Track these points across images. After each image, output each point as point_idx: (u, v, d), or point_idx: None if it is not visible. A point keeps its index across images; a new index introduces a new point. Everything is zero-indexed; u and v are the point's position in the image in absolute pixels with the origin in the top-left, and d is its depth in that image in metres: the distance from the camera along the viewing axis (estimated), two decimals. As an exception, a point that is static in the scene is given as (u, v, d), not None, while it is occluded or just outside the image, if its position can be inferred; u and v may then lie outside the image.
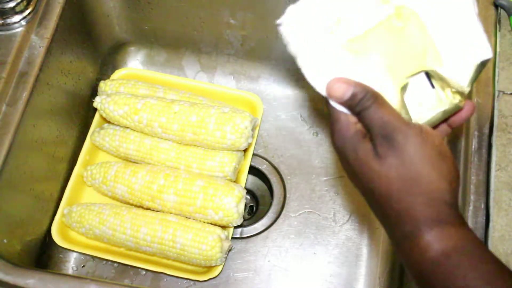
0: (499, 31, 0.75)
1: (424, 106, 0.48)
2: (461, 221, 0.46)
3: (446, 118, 0.50)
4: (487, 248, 0.48)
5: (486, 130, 0.69)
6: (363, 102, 0.46)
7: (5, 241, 0.71)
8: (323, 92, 0.49)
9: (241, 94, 0.89)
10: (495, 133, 0.69)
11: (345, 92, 0.47)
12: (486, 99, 0.71)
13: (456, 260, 0.44)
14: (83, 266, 0.83)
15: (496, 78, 0.72)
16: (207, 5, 0.88)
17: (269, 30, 0.90)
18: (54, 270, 0.82)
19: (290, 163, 0.90)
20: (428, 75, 0.49)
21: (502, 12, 0.76)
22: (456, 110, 0.49)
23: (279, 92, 0.95)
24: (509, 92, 0.72)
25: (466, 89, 0.49)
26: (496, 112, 0.70)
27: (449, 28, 0.48)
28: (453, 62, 0.48)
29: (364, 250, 0.85)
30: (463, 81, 0.48)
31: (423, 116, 0.48)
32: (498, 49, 0.74)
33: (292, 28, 0.51)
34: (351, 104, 0.47)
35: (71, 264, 0.83)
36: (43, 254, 0.81)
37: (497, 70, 0.73)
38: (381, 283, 0.83)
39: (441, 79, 0.48)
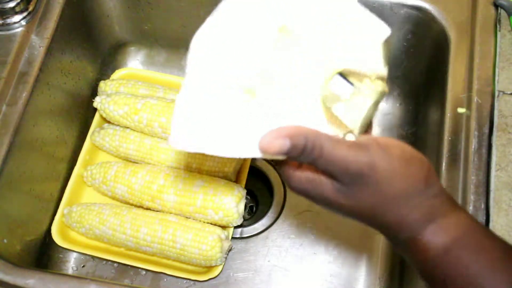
0: (499, 31, 0.75)
1: (353, 107, 0.46)
2: (454, 206, 0.46)
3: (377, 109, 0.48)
4: (485, 230, 0.48)
5: (486, 130, 0.69)
6: (308, 152, 0.41)
7: (5, 241, 0.71)
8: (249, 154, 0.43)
9: (241, 94, 0.89)
10: (495, 133, 0.69)
11: (277, 145, 0.41)
12: (486, 99, 0.71)
13: (456, 253, 0.45)
14: (83, 266, 0.83)
15: (496, 78, 0.72)
16: (207, 5, 0.88)
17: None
18: (54, 270, 0.82)
19: (290, 163, 0.90)
20: (342, 75, 0.46)
21: (502, 12, 0.76)
22: (384, 96, 0.47)
23: (279, 92, 0.95)
24: (509, 92, 0.72)
25: (384, 71, 0.46)
26: (496, 112, 0.70)
27: (339, 23, 0.46)
28: (359, 53, 0.46)
29: (364, 250, 0.85)
30: (377, 64, 0.46)
31: (357, 118, 0.46)
32: (498, 49, 0.74)
33: (182, 133, 0.44)
34: (296, 156, 0.42)
35: (71, 264, 0.83)
36: (43, 254, 0.81)
37: (497, 70, 0.73)
38: (381, 283, 0.83)
39: (355, 74, 0.46)
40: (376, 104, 0.46)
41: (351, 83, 0.46)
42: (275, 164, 0.45)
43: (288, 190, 0.88)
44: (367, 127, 0.47)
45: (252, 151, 0.43)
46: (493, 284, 0.44)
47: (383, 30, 0.46)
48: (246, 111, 0.44)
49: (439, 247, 0.45)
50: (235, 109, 0.44)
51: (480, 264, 0.44)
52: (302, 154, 0.41)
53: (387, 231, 0.47)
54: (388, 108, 0.93)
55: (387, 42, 0.46)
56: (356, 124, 0.45)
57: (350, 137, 0.45)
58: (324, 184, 0.44)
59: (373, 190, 0.44)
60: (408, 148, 0.45)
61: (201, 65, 0.46)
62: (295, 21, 0.46)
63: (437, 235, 0.45)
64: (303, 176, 0.45)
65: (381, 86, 0.46)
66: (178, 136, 0.44)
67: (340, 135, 0.45)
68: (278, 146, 0.41)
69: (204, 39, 0.48)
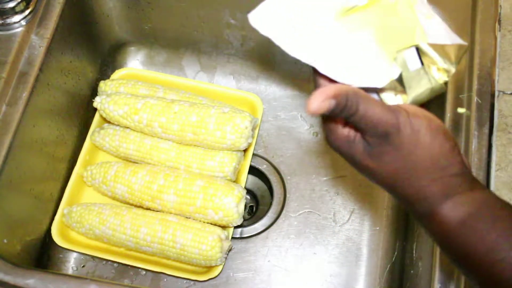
0: (499, 31, 0.75)
1: (413, 82, 0.49)
2: (472, 185, 0.48)
3: (431, 98, 0.51)
4: (504, 204, 0.49)
5: (486, 130, 0.69)
6: (347, 109, 0.45)
7: (5, 241, 0.71)
8: (310, 61, 0.48)
9: (241, 94, 0.89)
10: (495, 133, 0.69)
11: (325, 106, 0.45)
12: (486, 99, 0.71)
13: (472, 225, 0.46)
14: (83, 266, 0.83)
15: (496, 78, 0.72)
16: (207, 5, 0.88)
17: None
18: (54, 270, 0.82)
19: (290, 163, 0.90)
20: (418, 51, 0.49)
21: (502, 12, 0.76)
22: (441, 91, 0.50)
23: (279, 92, 0.95)
24: (509, 92, 0.72)
25: (453, 68, 0.49)
26: (496, 112, 0.70)
27: (428, 9, 0.50)
28: (438, 41, 0.49)
29: (364, 250, 0.85)
30: (449, 58, 0.49)
31: (411, 92, 0.49)
32: (498, 49, 0.74)
33: (266, 18, 0.50)
34: (336, 113, 0.46)
35: (71, 264, 0.83)
36: (43, 254, 0.81)
37: (497, 70, 0.73)
38: (381, 283, 0.83)
39: (429, 56, 0.49)
40: (432, 92, 0.49)
41: (422, 62, 0.49)
42: (322, 118, 0.49)
43: (288, 190, 0.88)
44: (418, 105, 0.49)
45: (312, 60, 0.48)
46: (510, 250, 0.45)
47: (462, 41, 0.50)
48: (332, 36, 0.48)
49: (455, 221, 0.46)
50: (325, 33, 0.49)
51: (496, 233, 0.45)
52: (342, 111, 0.45)
53: (406, 202, 0.49)
54: (388, 108, 0.93)
55: (461, 48, 0.49)
56: (407, 96, 0.49)
57: (398, 99, 0.49)
58: (357, 145, 0.48)
59: (396, 155, 0.46)
60: (436, 121, 0.47)
61: None
62: None
63: (453, 210, 0.47)
64: (342, 133, 0.48)
65: (445, 79, 0.49)
66: (260, 16, 0.50)
67: (389, 95, 0.49)
68: (326, 107, 0.45)
69: None
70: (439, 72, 0.49)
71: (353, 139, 0.48)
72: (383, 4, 0.49)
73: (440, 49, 0.49)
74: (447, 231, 0.47)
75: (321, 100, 0.45)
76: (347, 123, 0.49)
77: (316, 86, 0.49)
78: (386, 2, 0.49)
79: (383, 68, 0.48)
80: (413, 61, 0.49)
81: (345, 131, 0.48)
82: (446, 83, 0.50)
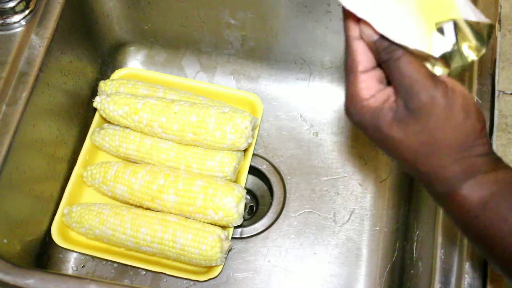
0: (499, 31, 0.75)
1: (448, 41, 0.47)
2: (495, 166, 0.46)
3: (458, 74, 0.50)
4: None
5: (486, 130, 0.69)
6: (392, 49, 0.44)
7: (5, 241, 0.71)
8: (368, 18, 0.46)
9: (241, 94, 0.89)
10: (495, 133, 0.69)
11: (374, 33, 0.44)
12: (486, 99, 0.71)
13: (494, 206, 0.45)
14: (83, 266, 0.83)
15: (496, 78, 0.72)
16: (207, 5, 0.88)
17: (269, 30, 0.90)
18: (54, 270, 0.82)
19: (290, 163, 0.90)
20: (455, 24, 0.48)
21: (502, 12, 0.76)
22: (469, 67, 0.50)
23: (279, 92, 0.95)
24: (509, 92, 0.72)
25: (484, 48, 0.48)
26: (496, 112, 0.70)
27: None
28: (471, 18, 0.48)
29: (364, 250, 0.85)
30: (480, 36, 0.48)
31: (445, 48, 0.47)
32: (498, 49, 0.74)
33: None
34: (379, 46, 0.44)
35: (71, 264, 0.83)
36: (43, 254, 0.81)
37: (497, 70, 0.73)
38: (381, 283, 0.83)
39: (463, 32, 0.48)
40: (462, 68, 0.48)
41: (456, 37, 0.47)
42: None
43: (288, 190, 0.88)
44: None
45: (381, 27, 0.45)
46: None
47: (487, 19, 0.48)
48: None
49: (476, 201, 0.45)
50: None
51: None
52: (384, 49, 0.44)
53: (425, 180, 0.47)
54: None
55: (492, 27, 0.48)
56: (439, 52, 0.47)
57: (435, 71, 0.47)
58: (385, 113, 0.45)
59: (424, 126, 0.44)
60: (471, 100, 0.46)
61: None
62: None
63: (474, 190, 0.45)
64: (368, 104, 0.46)
65: (474, 57, 0.48)
66: None
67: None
68: (372, 32, 0.44)
69: None
70: (470, 50, 0.48)
71: (381, 107, 0.46)
72: None
73: (473, 25, 0.48)
74: (467, 211, 0.45)
75: (370, 29, 0.43)
76: (376, 86, 0.47)
77: (348, 79, 0.47)
78: None
79: (422, 39, 0.46)
80: (450, 36, 0.47)
81: (372, 101, 0.46)
82: (472, 62, 0.49)
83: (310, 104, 0.94)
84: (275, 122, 0.93)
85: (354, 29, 0.46)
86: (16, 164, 0.72)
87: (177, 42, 0.95)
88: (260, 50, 0.94)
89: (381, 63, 0.46)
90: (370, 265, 0.84)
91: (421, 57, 0.46)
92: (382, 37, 0.44)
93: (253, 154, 0.88)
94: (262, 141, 0.92)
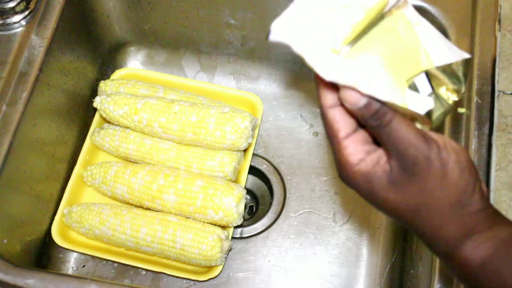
0: (499, 31, 0.75)
1: (428, 99, 0.47)
2: (493, 222, 0.46)
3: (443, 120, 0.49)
4: None
5: (486, 130, 0.69)
6: (381, 115, 0.42)
7: (5, 241, 0.71)
8: (343, 81, 0.45)
9: (241, 94, 0.89)
10: (495, 133, 0.69)
11: (359, 99, 0.42)
12: (486, 99, 0.71)
13: (493, 268, 0.44)
14: (83, 266, 0.83)
15: (496, 78, 0.72)
16: (207, 5, 0.88)
17: (269, 30, 0.90)
18: (54, 270, 0.82)
19: (290, 163, 0.90)
20: (428, 76, 0.47)
21: (502, 12, 0.76)
22: (452, 111, 0.48)
23: (279, 92, 0.95)
24: (509, 92, 0.72)
25: (463, 87, 0.47)
26: (496, 112, 0.70)
27: (426, 27, 0.48)
28: (443, 61, 0.47)
29: (364, 250, 0.85)
30: (456, 77, 0.47)
31: (428, 106, 0.46)
32: (498, 49, 0.74)
33: (288, 29, 0.48)
34: (365, 114, 0.43)
35: (71, 264, 0.83)
36: (43, 254, 0.81)
37: (497, 70, 0.73)
38: (381, 283, 0.83)
39: (437, 78, 0.47)
40: (445, 114, 0.47)
41: (432, 85, 0.46)
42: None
43: (288, 190, 0.88)
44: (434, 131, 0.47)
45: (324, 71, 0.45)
46: None
47: (463, 54, 0.47)
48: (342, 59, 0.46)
49: (476, 263, 0.45)
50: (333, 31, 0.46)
51: None
52: (372, 116, 0.43)
53: (424, 239, 0.47)
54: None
55: (466, 62, 0.47)
56: (424, 110, 0.46)
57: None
58: (379, 177, 0.44)
59: (420, 188, 0.44)
60: (465, 156, 0.45)
61: None
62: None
63: (473, 251, 0.45)
64: (360, 169, 0.45)
65: (455, 98, 0.47)
66: (280, 27, 0.49)
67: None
68: (356, 99, 0.42)
69: None
70: (449, 93, 0.47)
71: (374, 171, 0.44)
72: (384, 26, 0.47)
73: (447, 68, 0.47)
74: (468, 272, 0.45)
75: (355, 92, 0.42)
76: (367, 150, 0.45)
77: (334, 146, 0.46)
78: (386, 24, 0.47)
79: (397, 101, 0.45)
80: (424, 87, 0.46)
81: (363, 166, 0.45)
82: (455, 103, 0.47)
83: (310, 104, 0.94)
84: (275, 122, 0.93)
85: (328, 98, 0.45)
86: (16, 164, 0.72)
87: (177, 42, 0.95)
88: (260, 50, 0.94)
89: (369, 129, 0.45)
90: (370, 265, 0.84)
91: (406, 114, 0.45)
92: (367, 103, 0.43)
93: (253, 154, 0.88)
94: (262, 141, 0.92)
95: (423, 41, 0.47)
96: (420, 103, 0.46)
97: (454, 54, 0.47)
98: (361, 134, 0.46)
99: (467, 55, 0.47)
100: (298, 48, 0.46)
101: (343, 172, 0.46)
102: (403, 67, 0.46)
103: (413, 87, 0.46)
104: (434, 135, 0.45)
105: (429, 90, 0.46)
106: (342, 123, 0.45)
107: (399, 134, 0.42)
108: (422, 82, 0.47)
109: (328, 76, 0.44)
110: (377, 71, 0.46)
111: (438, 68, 0.47)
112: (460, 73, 0.47)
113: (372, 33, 0.47)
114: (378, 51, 0.46)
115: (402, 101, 0.44)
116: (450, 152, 0.44)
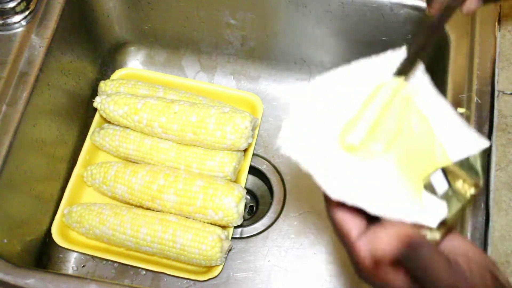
0: (499, 31, 0.75)
1: (441, 204, 0.44)
2: None
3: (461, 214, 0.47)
4: None
5: (486, 130, 0.69)
6: (419, 257, 0.39)
7: (5, 241, 0.71)
8: (359, 204, 0.43)
9: (241, 94, 0.89)
10: (495, 133, 0.69)
11: (394, 249, 0.40)
12: (486, 99, 0.71)
13: None
14: (83, 266, 0.83)
15: (496, 78, 0.72)
16: (207, 5, 0.88)
17: (269, 30, 0.90)
18: (54, 270, 0.82)
19: (290, 163, 0.90)
20: (444, 171, 0.45)
21: (502, 12, 0.76)
22: (472, 202, 0.47)
23: (279, 92, 0.95)
24: (509, 92, 0.72)
25: (481, 180, 0.45)
26: (496, 112, 0.70)
27: (441, 118, 0.46)
28: (461, 154, 0.45)
29: (364, 250, 0.85)
30: (474, 171, 0.45)
31: (440, 215, 0.44)
32: (498, 49, 0.74)
33: (294, 145, 0.47)
34: (405, 260, 0.40)
35: (71, 264, 0.84)
36: (43, 254, 0.81)
37: (497, 70, 0.73)
38: (381, 283, 0.83)
39: (454, 173, 0.45)
40: (463, 209, 0.45)
41: (448, 181, 0.45)
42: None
43: (288, 190, 0.88)
44: (449, 229, 0.45)
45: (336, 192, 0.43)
46: None
47: (482, 142, 0.46)
48: (350, 167, 0.44)
49: None
50: (343, 164, 0.44)
51: None
52: (407, 261, 0.40)
53: None
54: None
55: (484, 153, 0.46)
56: (436, 221, 0.44)
57: (434, 235, 0.44)
58: (399, 285, 0.42)
59: None
60: (489, 279, 0.43)
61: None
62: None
63: None
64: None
65: (473, 191, 0.45)
66: (285, 143, 0.48)
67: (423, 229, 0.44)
68: (393, 243, 0.40)
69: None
70: (466, 187, 0.45)
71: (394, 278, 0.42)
72: (394, 121, 0.44)
73: (464, 162, 0.45)
74: None
75: (391, 238, 0.39)
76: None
77: (335, 223, 0.44)
78: (397, 118, 0.44)
79: (409, 203, 0.43)
80: (440, 184, 0.44)
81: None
82: (473, 196, 0.45)
83: (310, 104, 0.94)
84: (275, 122, 0.93)
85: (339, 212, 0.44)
86: (16, 164, 0.72)
87: (177, 42, 0.95)
88: (260, 50, 0.94)
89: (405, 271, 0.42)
90: (370, 265, 0.84)
91: (418, 225, 0.43)
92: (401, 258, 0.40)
93: (253, 154, 0.88)
94: (262, 141, 0.92)
95: (438, 132, 0.45)
96: (434, 211, 0.43)
97: (472, 144, 0.45)
98: (371, 236, 0.44)
99: (486, 143, 0.45)
100: (305, 165, 0.46)
101: (361, 273, 0.45)
102: (417, 167, 0.44)
103: (429, 187, 0.44)
104: (461, 257, 0.43)
105: (445, 186, 0.45)
106: (352, 224, 0.44)
107: (432, 274, 0.40)
108: (438, 179, 0.45)
109: (335, 195, 0.43)
110: (389, 180, 0.43)
111: (455, 163, 0.45)
112: (478, 166, 0.45)
113: (382, 130, 0.45)
114: (390, 154, 0.44)
115: (416, 218, 0.42)
116: (478, 277, 0.42)
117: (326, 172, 0.44)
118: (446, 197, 0.44)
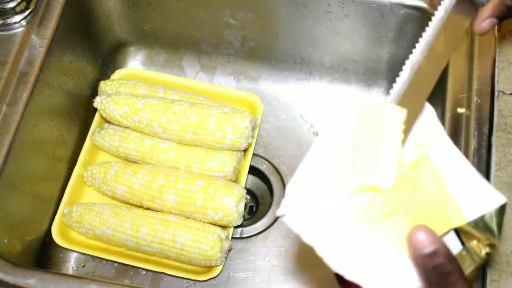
0: (499, 31, 0.75)
1: None
2: None
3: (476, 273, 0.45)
4: None
5: (486, 130, 0.69)
6: (444, 273, 0.38)
7: (5, 241, 0.71)
8: (358, 280, 0.42)
9: (241, 94, 0.89)
10: (495, 133, 0.69)
11: (426, 245, 0.38)
12: (486, 99, 0.71)
13: None
14: (83, 266, 0.83)
15: (496, 78, 0.72)
16: (207, 5, 0.88)
17: (269, 30, 0.90)
18: (54, 270, 0.82)
19: (290, 163, 0.90)
20: (457, 232, 0.44)
21: (502, 12, 0.76)
22: (485, 263, 0.45)
23: (279, 92, 0.95)
24: (509, 92, 0.72)
25: (497, 239, 0.44)
26: (496, 112, 0.70)
27: (456, 173, 0.44)
28: (476, 213, 0.43)
29: (364, 250, 0.85)
30: (489, 230, 0.43)
31: None
32: (498, 49, 0.74)
33: (296, 215, 0.45)
34: (428, 264, 0.38)
35: (71, 264, 0.84)
36: (43, 254, 0.81)
37: (497, 70, 0.73)
38: (381, 283, 0.83)
39: (468, 233, 0.44)
40: (477, 268, 0.44)
41: (462, 242, 0.44)
42: None
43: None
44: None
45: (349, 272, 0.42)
46: None
47: (498, 198, 0.44)
48: (360, 234, 0.43)
49: None
50: (352, 232, 0.43)
51: None
52: (434, 269, 0.39)
53: None
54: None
55: (501, 210, 0.44)
56: None
57: None
58: None
59: None
60: None
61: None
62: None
63: None
64: None
65: (487, 251, 0.44)
66: (288, 210, 0.47)
67: None
68: (422, 244, 0.39)
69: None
70: (481, 246, 0.44)
71: None
72: (407, 183, 0.43)
73: (479, 221, 0.43)
74: None
75: (425, 239, 0.38)
76: None
77: None
78: (409, 180, 0.43)
79: None
80: (454, 245, 0.43)
81: None
82: (488, 255, 0.44)
83: (310, 104, 0.94)
84: (275, 122, 0.93)
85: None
86: (17, 164, 0.72)
87: (177, 42, 0.95)
88: (260, 50, 0.94)
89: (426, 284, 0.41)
90: (370, 265, 0.84)
91: None
92: (433, 252, 0.39)
93: (253, 154, 0.88)
94: (262, 141, 0.92)
95: (453, 190, 0.44)
96: None
97: (488, 200, 0.44)
98: None
99: (503, 199, 0.44)
100: (308, 239, 0.44)
101: None
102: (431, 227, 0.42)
103: None
104: None
105: (459, 246, 0.44)
106: None
107: None
108: (451, 240, 0.43)
109: (341, 270, 0.42)
110: (395, 256, 0.42)
111: (470, 222, 0.43)
112: (493, 224, 0.44)
113: (395, 196, 0.43)
114: (403, 218, 0.42)
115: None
116: None
117: (330, 245, 0.43)
118: (460, 257, 0.43)
